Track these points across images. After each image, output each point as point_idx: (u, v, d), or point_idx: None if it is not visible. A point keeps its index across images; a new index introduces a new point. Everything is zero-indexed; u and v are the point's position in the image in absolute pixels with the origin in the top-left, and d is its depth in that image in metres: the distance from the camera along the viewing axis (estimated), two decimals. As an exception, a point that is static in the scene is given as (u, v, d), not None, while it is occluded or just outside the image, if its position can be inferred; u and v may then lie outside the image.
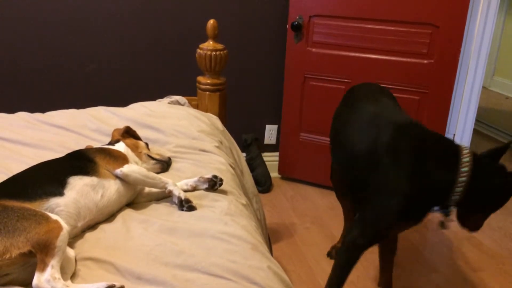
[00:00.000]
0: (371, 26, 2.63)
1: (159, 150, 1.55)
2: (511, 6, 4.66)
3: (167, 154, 1.53)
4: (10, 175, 1.30)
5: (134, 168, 1.25)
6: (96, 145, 1.48)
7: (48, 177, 1.14)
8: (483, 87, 3.03)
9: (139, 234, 1.15)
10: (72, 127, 1.70)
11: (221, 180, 1.34)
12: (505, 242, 2.53)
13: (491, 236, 2.57)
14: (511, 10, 4.67)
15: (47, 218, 0.96)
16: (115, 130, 1.52)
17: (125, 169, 1.23)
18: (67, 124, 1.71)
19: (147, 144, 1.51)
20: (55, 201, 1.08)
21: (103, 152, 1.28)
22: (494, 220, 2.74)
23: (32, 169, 1.21)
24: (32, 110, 1.85)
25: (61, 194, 1.10)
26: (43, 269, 0.90)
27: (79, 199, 1.13)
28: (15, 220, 0.92)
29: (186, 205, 1.24)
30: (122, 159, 1.27)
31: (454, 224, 2.72)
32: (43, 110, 1.86)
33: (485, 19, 2.55)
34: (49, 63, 2.67)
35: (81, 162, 1.22)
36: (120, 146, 1.38)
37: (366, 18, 2.62)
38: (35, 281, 0.89)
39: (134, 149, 1.41)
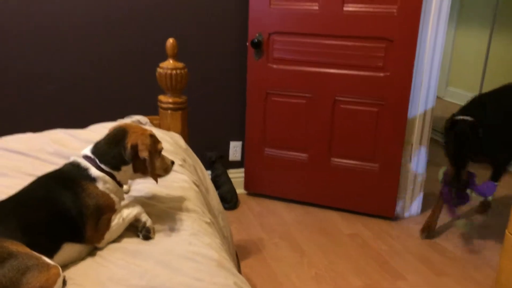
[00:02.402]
0: (329, 42, 2.70)
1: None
2: (460, 20, 4.90)
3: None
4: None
5: (109, 237, 1.18)
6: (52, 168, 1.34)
7: (47, 237, 1.07)
8: (438, 97, 3.15)
9: (101, 258, 1.12)
10: (28, 151, 1.65)
11: (147, 231, 1.23)
12: (467, 247, 2.61)
13: (453, 241, 2.65)
14: (461, 23, 4.91)
15: (47, 266, 0.96)
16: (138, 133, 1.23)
17: (102, 245, 1.17)
18: (23, 149, 1.66)
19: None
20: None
21: (94, 215, 1.14)
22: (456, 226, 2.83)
23: (31, 214, 1.08)
24: (-15, 136, 1.79)
25: (51, 257, 1.03)
26: None
27: (56, 260, 1.05)
28: (20, 273, 0.92)
29: (143, 233, 1.20)
30: (106, 224, 1.16)
31: (417, 231, 2.77)
32: (-3, 135, 1.80)
33: (436, 33, 2.66)
34: (4, 84, 2.59)
35: (75, 222, 1.12)
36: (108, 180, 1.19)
37: (324, 34, 2.69)
38: None
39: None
